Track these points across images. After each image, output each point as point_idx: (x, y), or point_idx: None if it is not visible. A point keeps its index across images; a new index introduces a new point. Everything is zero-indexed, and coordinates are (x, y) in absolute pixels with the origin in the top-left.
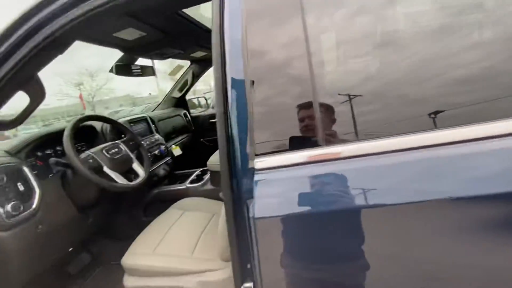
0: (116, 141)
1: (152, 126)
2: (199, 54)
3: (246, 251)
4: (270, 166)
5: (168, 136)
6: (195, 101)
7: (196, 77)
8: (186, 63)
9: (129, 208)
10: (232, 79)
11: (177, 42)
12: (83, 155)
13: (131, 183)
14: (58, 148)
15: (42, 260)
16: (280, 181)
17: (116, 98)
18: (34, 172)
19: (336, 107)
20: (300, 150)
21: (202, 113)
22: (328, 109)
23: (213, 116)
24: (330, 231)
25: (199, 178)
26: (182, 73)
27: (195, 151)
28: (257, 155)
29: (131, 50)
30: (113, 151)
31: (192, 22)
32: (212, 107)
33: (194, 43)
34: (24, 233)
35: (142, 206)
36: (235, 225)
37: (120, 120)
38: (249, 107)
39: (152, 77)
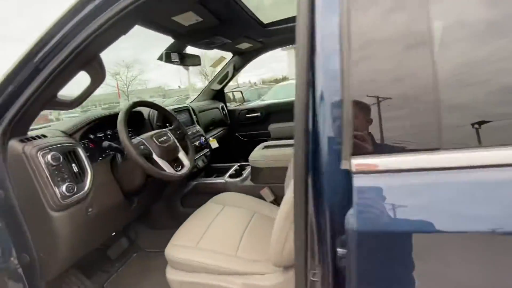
0: (164, 129)
1: (194, 117)
2: (244, 45)
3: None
4: (375, 169)
5: (206, 128)
6: (230, 95)
7: (236, 70)
8: (228, 56)
9: (167, 198)
10: (323, 66)
11: (228, 31)
12: (134, 141)
13: (178, 173)
14: (108, 132)
15: (88, 243)
16: (393, 189)
17: (147, 90)
18: (87, 154)
19: (467, 100)
20: (417, 152)
21: (239, 107)
22: (454, 102)
23: (250, 110)
24: (457, 256)
25: (237, 173)
26: (223, 65)
27: (229, 145)
28: (354, 154)
29: (183, 37)
30: (161, 139)
31: (247, 13)
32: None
33: (243, 34)
34: (75, 215)
35: (180, 196)
36: (305, 232)
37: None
38: (346, 96)
39: (182, 71)
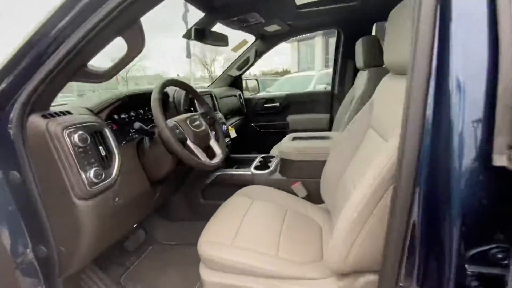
0: (196, 113)
1: (216, 103)
2: (273, 27)
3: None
4: None
5: (225, 117)
6: (243, 83)
7: (258, 55)
8: (250, 40)
9: (187, 188)
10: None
11: (264, 9)
12: (169, 124)
13: (212, 162)
14: (132, 113)
15: (112, 236)
16: None
17: (146, 77)
18: (113, 136)
19: None
20: None
21: (256, 96)
22: None
23: (269, 100)
24: None
25: (263, 165)
26: (244, 49)
27: (245, 136)
28: None
29: (216, 12)
30: (195, 123)
31: None
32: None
33: (277, 14)
34: (102, 204)
35: (201, 188)
36: (403, 241)
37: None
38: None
39: (184, 60)
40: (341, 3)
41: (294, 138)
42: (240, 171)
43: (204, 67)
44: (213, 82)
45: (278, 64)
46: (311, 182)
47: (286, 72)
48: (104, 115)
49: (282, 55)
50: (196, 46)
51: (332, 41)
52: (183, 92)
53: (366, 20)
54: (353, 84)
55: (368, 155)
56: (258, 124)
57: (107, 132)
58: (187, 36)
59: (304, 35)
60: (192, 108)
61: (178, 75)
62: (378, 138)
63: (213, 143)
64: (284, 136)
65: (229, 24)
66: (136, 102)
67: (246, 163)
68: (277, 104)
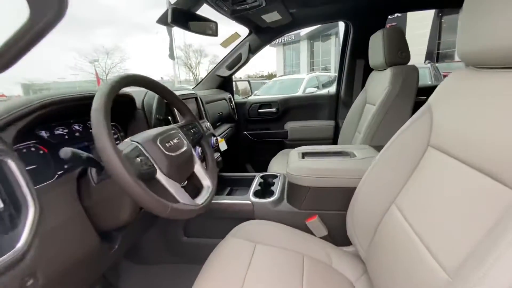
0: (172, 126)
1: (202, 108)
2: (272, 17)
3: None
4: None
5: (213, 125)
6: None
7: (252, 52)
8: (243, 34)
9: (163, 223)
10: None
11: None
12: (123, 146)
13: (199, 204)
14: (76, 126)
15: None
16: None
17: None
18: (29, 169)
19: None
20: None
21: (249, 100)
22: None
23: (265, 104)
24: None
25: (264, 189)
26: (236, 44)
27: (237, 146)
28: None
29: None
30: (171, 143)
31: None
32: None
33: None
34: None
35: (182, 222)
36: None
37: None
38: None
39: (168, 62)
40: None
41: (305, 155)
42: (234, 199)
43: (189, 70)
44: (198, 83)
45: (263, 67)
46: (333, 215)
47: (271, 75)
48: (11, 134)
49: (266, 58)
50: (180, 48)
51: (317, 45)
52: (156, 96)
53: (379, 12)
54: (363, 86)
55: (453, 195)
56: (252, 133)
57: (13, 166)
58: (162, 20)
59: (289, 39)
60: (170, 118)
61: (162, 78)
62: (465, 170)
63: (198, 170)
64: (283, 146)
65: (220, 6)
66: (78, 110)
67: (241, 185)
68: (274, 109)
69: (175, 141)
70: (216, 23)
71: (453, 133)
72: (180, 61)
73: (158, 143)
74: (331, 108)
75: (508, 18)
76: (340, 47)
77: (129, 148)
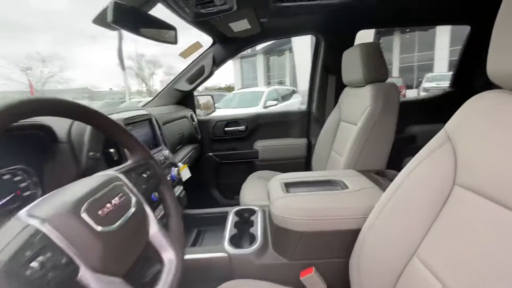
0: (113, 173)
1: (158, 132)
2: (240, 26)
3: None
4: None
5: (173, 150)
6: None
7: (216, 64)
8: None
9: None
10: None
11: None
12: (7, 242)
13: None
14: None
15: None
16: None
17: (70, 90)
18: None
19: None
20: None
21: (214, 117)
22: None
23: (232, 122)
24: None
25: (241, 233)
26: (198, 55)
27: (201, 169)
28: None
29: None
30: (108, 207)
31: None
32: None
33: (250, 2)
34: None
35: (141, 282)
36: None
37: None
38: None
39: (117, 72)
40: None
41: (288, 186)
42: (205, 250)
43: (142, 81)
44: (153, 98)
45: (220, 79)
46: (331, 264)
47: (230, 87)
48: None
49: (222, 71)
50: (130, 59)
51: (273, 59)
52: (87, 126)
53: (350, 26)
54: (335, 103)
55: (492, 243)
56: (218, 154)
57: None
58: (100, 20)
59: (246, 53)
60: (113, 152)
61: (110, 88)
62: (504, 213)
63: (156, 236)
64: (253, 168)
65: (181, 7)
66: None
67: (212, 224)
68: (242, 127)
69: (116, 201)
70: (174, 28)
71: (484, 169)
72: (132, 71)
73: (82, 214)
74: (303, 125)
75: None
76: (294, 62)
77: (17, 243)
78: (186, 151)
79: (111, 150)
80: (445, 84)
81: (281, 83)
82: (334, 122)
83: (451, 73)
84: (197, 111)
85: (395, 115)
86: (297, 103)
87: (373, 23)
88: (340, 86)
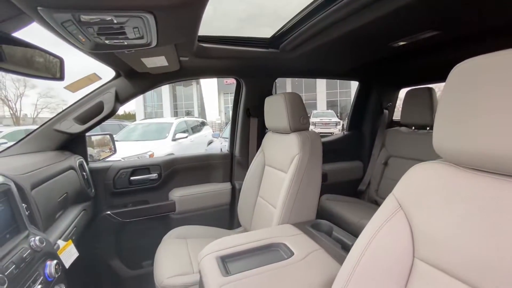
0: None
1: (21, 208)
2: (156, 63)
3: None
4: None
5: (50, 221)
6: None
7: (120, 102)
8: (103, 78)
9: None
10: None
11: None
12: None
13: None
14: None
15: None
16: None
17: None
18: None
19: None
20: None
21: (117, 164)
22: None
23: (141, 169)
24: None
25: None
26: (92, 89)
27: (97, 238)
28: None
29: None
30: None
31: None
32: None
33: (172, 37)
34: None
35: None
36: None
37: None
38: None
39: None
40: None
41: (225, 261)
42: None
43: (4, 103)
44: (15, 144)
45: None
46: None
47: (130, 115)
48: None
49: None
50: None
51: (179, 89)
52: None
53: (269, 74)
54: (258, 146)
55: None
56: (120, 211)
57: None
58: None
59: None
60: None
61: None
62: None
63: None
64: (169, 224)
65: (73, 34)
66: None
67: None
68: (155, 174)
69: None
70: (61, 59)
71: (440, 244)
72: None
73: None
74: (226, 169)
75: (495, 123)
76: (201, 93)
77: None
78: (71, 217)
79: None
80: (327, 119)
81: (188, 113)
82: (258, 166)
83: (329, 110)
84: (89, 150)
85: (320, 164)
86: (208, 135)
87: (288, 74)
88: (263, 129)
